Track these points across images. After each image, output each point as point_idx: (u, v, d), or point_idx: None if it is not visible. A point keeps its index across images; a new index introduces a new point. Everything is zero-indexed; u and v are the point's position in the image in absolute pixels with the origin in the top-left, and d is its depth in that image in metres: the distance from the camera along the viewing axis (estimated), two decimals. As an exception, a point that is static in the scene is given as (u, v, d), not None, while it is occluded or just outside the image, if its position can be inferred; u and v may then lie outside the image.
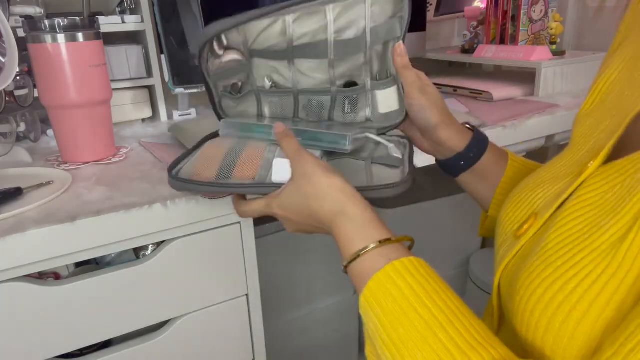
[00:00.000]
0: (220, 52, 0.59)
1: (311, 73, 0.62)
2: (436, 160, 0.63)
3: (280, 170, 0.50)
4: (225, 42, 0.59)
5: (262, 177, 0.53)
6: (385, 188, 0.51)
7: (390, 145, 0.61)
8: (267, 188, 0.51)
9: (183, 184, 0.53)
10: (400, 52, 0.57)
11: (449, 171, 0.62)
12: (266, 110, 0.67)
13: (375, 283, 0.37)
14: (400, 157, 0.60)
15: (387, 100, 0.63)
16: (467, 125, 0.61)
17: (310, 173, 0.46)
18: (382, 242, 0.40)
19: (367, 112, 0.65)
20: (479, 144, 0.58)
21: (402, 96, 0.62)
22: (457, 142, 0.58)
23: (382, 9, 0.57)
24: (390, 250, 0.40)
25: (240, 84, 0.64)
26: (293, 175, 0.48)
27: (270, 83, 0.64)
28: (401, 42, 0.57)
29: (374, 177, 0.56)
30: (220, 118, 0.64)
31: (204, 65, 0.59)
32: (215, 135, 0.64)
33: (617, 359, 0.28)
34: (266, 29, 0.58)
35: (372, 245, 0.40)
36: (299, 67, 0.61)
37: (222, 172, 0.54)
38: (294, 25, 0.57)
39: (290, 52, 0.60)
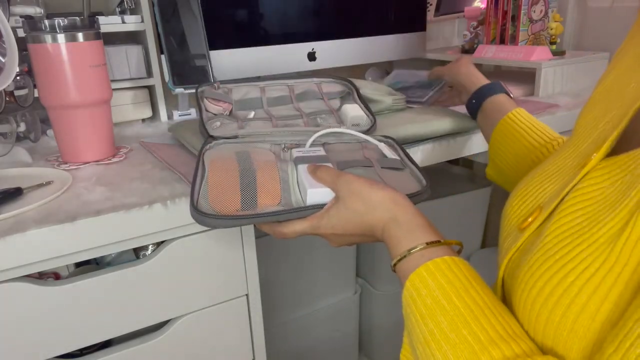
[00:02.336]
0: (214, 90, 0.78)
1: (283, 111, 0.77)
2: (466, 107, 0.79)
3: (315, 195, 0.52)
4: (217, 87, 0.78)
5: (287, 199, 0.53)
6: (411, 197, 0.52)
7: (381, 144, 0.66)
8: (308, 211, 0.51)
9: (217, 220, 0.50)
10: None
11: (471, 112, 0.78)
12: (249, 127, 0.71)
13: (410, 282, 0.40)
14: (397, 157, 0.62)
15: (354, 110, 0.74)
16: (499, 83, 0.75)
17: (358, 190, 0.48)
18: (428, 244, 0.42)
19: (339, 122, 0.75)
20: (490, 89, 0.74)
21: (364, 109, 0.76)
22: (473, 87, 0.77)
23: (330, 89, 0.81)
24: (432, 252, 0.41)
25: (226, 114, 0.75)
26: (339, 196, 0.49)
27: (253, 113, 0.76)
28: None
29: (389, 183, 0.57)
30: (206, 133, 0.68)
31: (198, 94, 0.76)
32: (208, 140, 0.66)
33: (618, 355, 0.28)
34: (246, 90, 0.79)
35: (418, 247, 0.42)
36: (272, 110, 0.77)
37: (246, 201, 0.52)
38: (266, 89, 0.80)
39: (263, 103, 0.78)
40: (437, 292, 0.37)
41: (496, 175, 0.72)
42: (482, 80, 0.78)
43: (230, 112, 0.75)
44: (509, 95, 0.74)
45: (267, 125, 0.72)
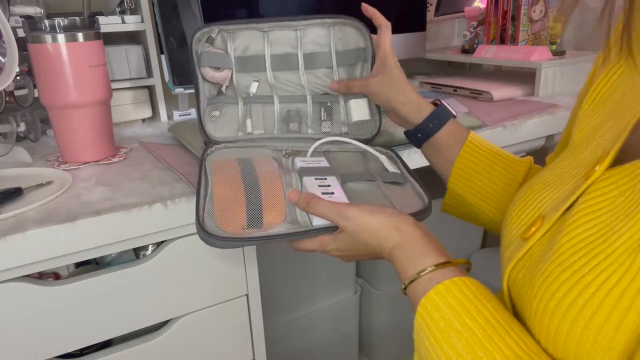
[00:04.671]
0: (208, 44, 0.68)
1: (287, 83, 0.71)
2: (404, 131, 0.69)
3: (321, 219, 0.51)
4: (213, 38, 0.67)
5: (292, 215, 0.53)
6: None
7: (382, 156, 0.66)
8: (316, 232, 0.52)
9: (224, 242, 0.49)
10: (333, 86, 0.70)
11: (413, 142, 0.67)
12: (248, 123, 0.70)
13: (422, 306, 0.40)
14: (398, 171, 0.63)
15: (359, 109, 0.70)
16: (438, 101, 0.65)
17: (365, 224, 0.48)
18: (437, 267, 0.42)
19: (342, 119, 0.71)
20: (438, 119, 0.63)
21: (373, 108, 0.70)
22: (416, 116, 0.64)
23: (344, 41, 0.70)
24: (440, 274, 0.41)
25: (224, 89, 0.69)
26: (347, 232, 0.49)
27: (257, 82, 0.70)
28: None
29: (392, 199, 0.57)
30: (205, 135, 0.67)
31: (194, 51, 0.66)
32: (209, 145, 0.66)
33: None
34: (248, 39, 0.68)
35: (427, 270, 0.42)
36: (276, 77, 0.71)
37: (251, 219, 0.52)
38: (270, 38, 0.69)
39: (267, 62, 0.70)
40: (450, 315, 0.37)
41: (454, 209, 0.68)
42: (421, 104, 0.64)
43: (231, 78, 0.69)
44: (453, 115, 0.64)
45: (270, 110, 0.70)
